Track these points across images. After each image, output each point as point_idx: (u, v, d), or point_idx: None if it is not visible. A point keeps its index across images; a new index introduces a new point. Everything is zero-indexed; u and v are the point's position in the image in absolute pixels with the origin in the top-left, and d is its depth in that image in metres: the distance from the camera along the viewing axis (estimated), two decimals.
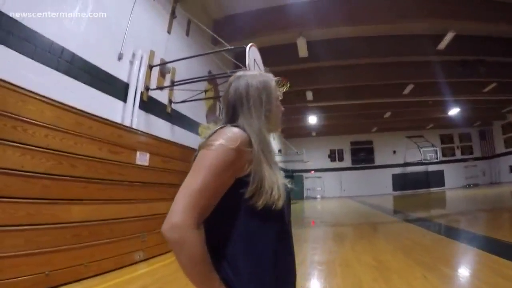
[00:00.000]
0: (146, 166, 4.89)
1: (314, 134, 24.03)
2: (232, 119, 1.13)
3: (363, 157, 25.71)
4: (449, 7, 7.25)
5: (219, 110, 9.24)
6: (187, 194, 0.89)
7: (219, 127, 1.04)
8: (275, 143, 18.75)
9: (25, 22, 3.33)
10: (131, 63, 5.35)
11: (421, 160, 23.55)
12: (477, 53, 9.77)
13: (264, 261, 0.99)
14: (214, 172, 0.91)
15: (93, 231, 3.60)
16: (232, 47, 5.99)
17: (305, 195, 24.86)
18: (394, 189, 24.21)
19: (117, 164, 4.24)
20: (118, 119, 4.83)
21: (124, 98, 5.12)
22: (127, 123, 4.96)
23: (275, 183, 0.99)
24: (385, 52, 9.64)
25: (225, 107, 1.18)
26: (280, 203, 0.98)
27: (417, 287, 3.09)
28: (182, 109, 6.96)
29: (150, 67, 5.81)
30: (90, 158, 3.71)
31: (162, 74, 6.21)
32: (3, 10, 3.08)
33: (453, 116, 18.36)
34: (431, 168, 24.16)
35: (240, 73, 1.21)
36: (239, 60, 5.73)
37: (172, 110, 6.59)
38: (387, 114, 17.81)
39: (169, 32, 6.59)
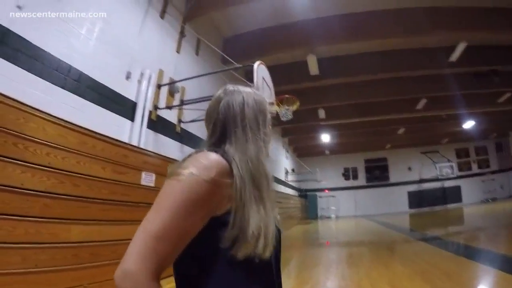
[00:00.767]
0: (152, 186, 4.79)
1: (327, 152, 23.75)
2: (218, 141, 0.97)
3: (377, 174, 25.19)
4: (459, 18, 7.10)
5: None
6: (144, 238, 0.70)
7: (194, 151, 0.87)
8: (288, 162, 18.60)
9: (33, 41, 3.35)
10: (139, 82, 5.34)
11: (437, 176, 22.88)
12: (490, 63, 9.50)
13: None
14: (179, 211, 0.72)
15: (94, 252, 3.50)
16: (240, 65, 5.97)
17: (319, 214, 24.40)
18: (410, 206, 23.44)
19: (121, 184, 4.15)
20: (125, 138, 4.79)
21: (132, 117, 5.10)
22: (134, 142, 4.92)
23: (263, 228, 0.79)
24: (396, 67, 9.50)
25: (212, 125, 1.00)
26: (267, 254, 0.79)
27: None
28: (192, 128, 6.91)
29: (159, 86, 5.81)
30: (93, 178, 3.65)
31: (171, 93, 6.21)
32: (12, 29, 3.11)
33: (468, 129, 17.87)
34: (448, 184, 23.39)
35: (231, 87, 1.06)
36: (249, 78, 5.69)
37: (182, 129, 6.55)
38: (401, 130, 17.55)
39: (178, 51, 6.62)
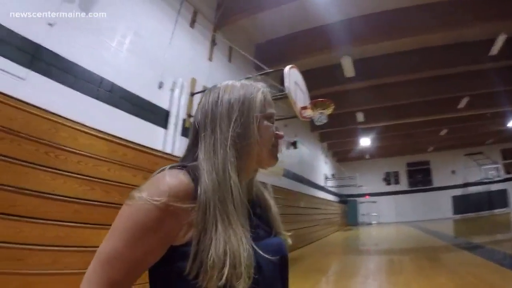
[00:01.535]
0: None
1: (367, 156, 23.01)
2: (191, 151, 0.87)
3: (420, 179, 23.79)
4: (496, 8, 6.55)
5: None
6: (93, 263, 0.69)
7: (158, 170, 0.78)
8: (327, 167, 18.26)
9: (65, 55, 3.54)
10: (172, 91, 5.46)
11: (482, 179, 21.29)
12: None
13: None
14: (127, 237, 0.67)
15: None
16: (270, 70, 5.95)
17: (359, 221, 23.63)
18: (455, 212, 21.80)
19: None
20: (159, 146, 4.92)
21: (165, 125, 5.24)
22: (168, 150, 5.03)
23: (229, 256, 0.66)
24: (434, 65, 8.99)
25: (190, 133, 0.90)
26: (241, 287, 0.66)
27: None
28: None
29: (192, 94, 5.92)
30: (124, 185, 3.75)
31: None
32: (44, 45, 3.31)
33: None
34: (494, 187, 21.52)
35: (218, 84, 0.92)
36: (283, 83, 5.65)
37: None
38: (443, 132, 16.63)
39: (210, 59, 6.73)
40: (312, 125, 13.61)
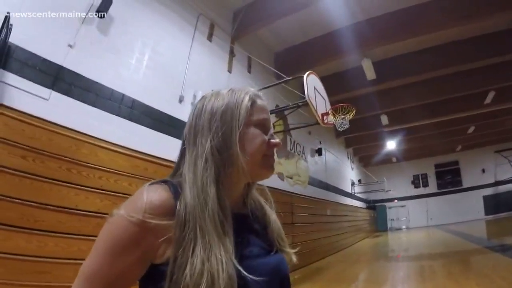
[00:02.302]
0: None
1: (394, 160, 22.40)
2: (177, 165, 0.85)
3: (449, 180, 22.76)
4: None
5: (290, 144, 9.15)
6: (78, 279, 0.67)
7: (143, 185, 0.74)
8: (353, 173, 17.93)
9: (85, 74, 3.67)
10: (193, 104, 5.53)
11: None
12: None
13: None
14: (104, 254, 0.66)
15: None
16: (289, 78, 5.94)
17: (389, 226, 22.97)
18: (487, 213, 20.65)
19: None
20: None
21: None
22: None
23: (205, 278, 0.62)
24: (456, 60, 8.63)
25: (180, 147, 0.88)
26: None
27: None
28: None
29: None
30: None
31: None
32: (65, 66, 3.44)
33: None
34: None
35: (206, 94, 0.89)
36: (303, 90, 5.61)
37: None
38: (471, 129, 15.91)
39: (229, 71, 6.79)
40: (336, 131, 13.45)
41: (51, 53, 3.28)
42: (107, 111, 3.90)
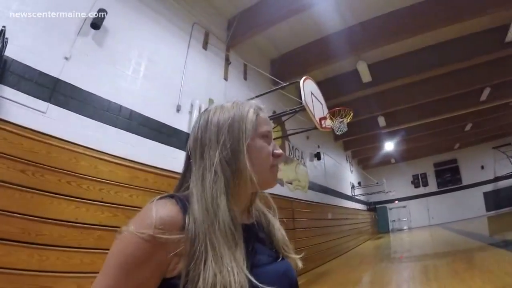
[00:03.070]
0: None
1: (393, 161, 22.42)
2: (185, 178, 0.85)
3: (449, 178, 22.70)
4: None
5: (289, 149, 9.14)
6: None
7: (151, 200, 0.74)
8: (353, 176, 17.93)
9: (82, 87, 3.66)
10: (190, 113, 5.52)
11: None
12: None
13: None
14: (117, 272, 0.65)
15: None
16: (285, 84, 5.95)
17: (390, 227, 22.91)
18: (488, 209, 20.59)
19: None
20: (180, 169, 4.94)
21: (185, 148, 5.27)
22: None
23: (219, 286, 0.64)
24: (450, 59, 8.68)
25: (184, 160, 0.89)
26: None
27: None
28: None
29: None
30: None
31: None
32: (62, 78, 3.43)
33: None
34: None
35: (209, 107, 0.90)
36: (300, 95, 5.63)
37: None
38: (468, 127, 15.98)
39: (226, 78, 6.79)
40: (334, 135, 13.47)
41: (47, 66, 3.27)
42: (105, 123, 3.88)
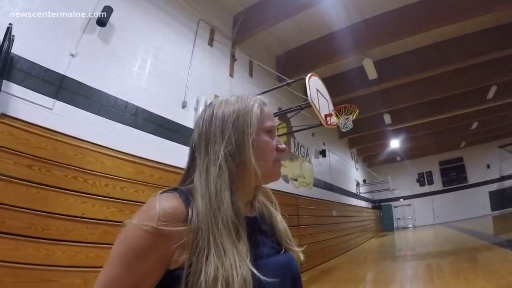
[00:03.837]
0: None
1: (398, 158, 22.19)
2: (189, 171, 0.86)
3: (454, 177, 22.41)
4: None
5: (294, 146, 9.14)
6: (98, 285, 0.68)
7: (154, 194, 0.75)
8: (358, 174, 17.87)
9: (89, 83, 3.69)
10: (196, 109, 5.54)
11: None
12: None
13: None
14: (121, 263, 0.66)
15: None
16: (291, 80, 5.94)
17: (395, 225, 22.77)
18: (493, 208, 20.31)
19: None
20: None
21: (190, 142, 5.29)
22: None
23: (221, 279, 0.64)
24: (456, 57, 8.56)
25: (188, 153, 0.89)
26: None
27: None
28: None
29: None
30: None
31: None
32: (68, 75, 3.47)
33: None
34: None
35: (213, 101, 0.91)
36: (306, 92, 5.62)
37: None
38: (474, 125, 15.76)
39: (231, 75, 6.80)
40: (340, 132, 13.45)
41: (53, 62, 3.31)
42: (111, 119, 3.92)
